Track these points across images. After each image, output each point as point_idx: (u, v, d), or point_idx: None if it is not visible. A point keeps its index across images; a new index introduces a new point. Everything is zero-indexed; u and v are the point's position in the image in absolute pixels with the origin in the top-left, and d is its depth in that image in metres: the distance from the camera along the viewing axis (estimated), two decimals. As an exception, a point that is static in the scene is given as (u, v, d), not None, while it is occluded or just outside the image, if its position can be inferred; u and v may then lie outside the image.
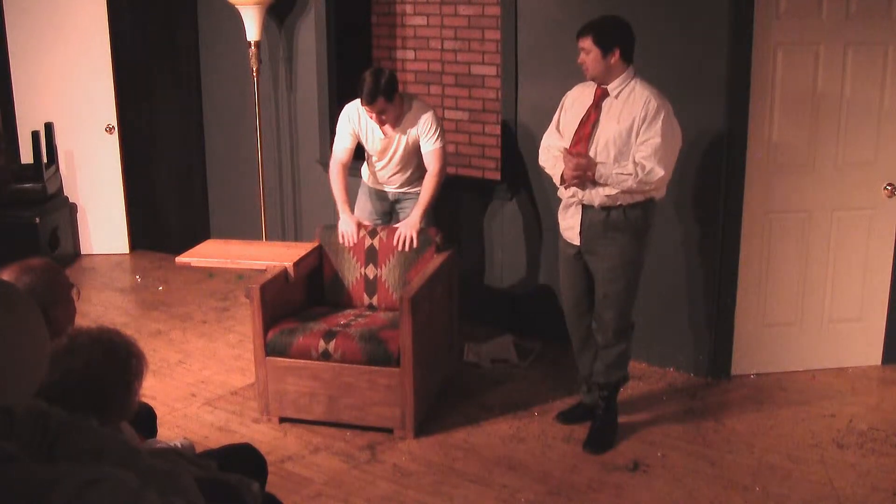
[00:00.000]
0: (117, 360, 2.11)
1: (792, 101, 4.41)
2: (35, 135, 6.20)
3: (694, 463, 3.88)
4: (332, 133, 5.70)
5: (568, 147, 3.84)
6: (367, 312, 4.47)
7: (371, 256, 4.55)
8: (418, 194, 4.69)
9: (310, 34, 5.77)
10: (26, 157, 6.47)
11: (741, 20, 4.24)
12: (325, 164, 5.79)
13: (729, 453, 3.95)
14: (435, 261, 4.41)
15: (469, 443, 4.07)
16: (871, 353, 4.75)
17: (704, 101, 4.37)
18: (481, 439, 4.10)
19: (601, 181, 3.74)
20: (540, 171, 4.90)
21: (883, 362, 4.76)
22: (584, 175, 3.74)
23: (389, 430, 4.11)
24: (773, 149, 4.46)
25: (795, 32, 4.32)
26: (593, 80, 3.82)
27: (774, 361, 4.70)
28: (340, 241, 4.57)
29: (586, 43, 3.74)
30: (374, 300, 4.57)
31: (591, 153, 3.76)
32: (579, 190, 3.82)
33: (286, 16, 5.85)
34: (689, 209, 4.57)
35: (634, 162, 3.69)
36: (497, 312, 5.27)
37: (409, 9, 5.58)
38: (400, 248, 4.48)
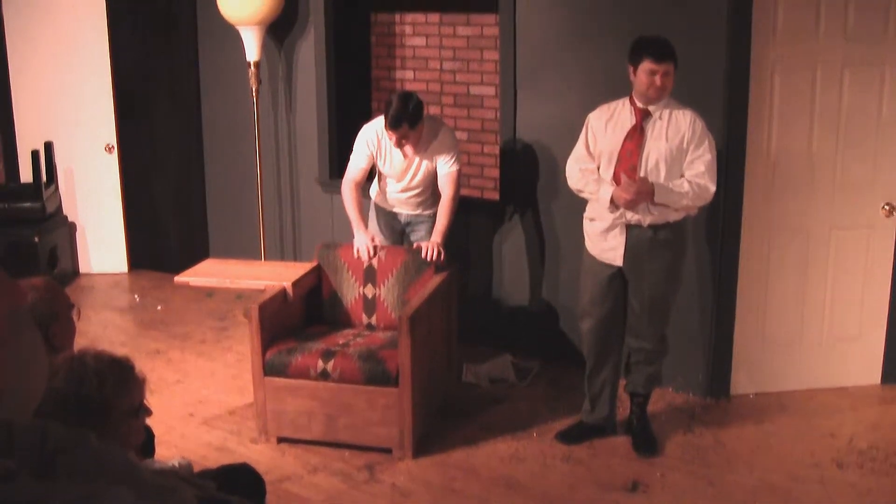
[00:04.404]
0: (119, 384, 2.12)
1: (790, 121, 4.43)
2: (34, 154, 6.21)
3: (693, 483, 3.86)
4: (332, 153, 5.76)
5: (614, 167, 3.85)
6: (366, 332, 4.46)
7: (370, 276, 4.55)
8: (430, 217, 4.70)
9: (309, 54, 5.79)
10: (26, 175, 6.48)
11: (739, 41, 4.26)
12: (323, 184, 5.82)
13: (728, 473, 3.94)
14: (434, 280, 4.41)
15: (468, 463, 4.06)
16: (870, 371, 4.75)
17: (702, 120, 4.38)
18: (480, 459, 4.09)
19: (659, 201, 3.77)
20: (539, 191, 4.93)
21: (882, 381, 4.75)
22: (643, 198, 3.77)
23: (388, 450, 4.10)
24: (772, 168, 4.47)
25: (793, 53, 4.35)
26: (654, 101, 3.81)
27: (774, 380, 4.69)
28: (356, 255, 4.54)
29: (671, 66, 3.77)
30: (373, 319, 4.57)
31: (641, 173, 3.81)
32: (627, 210, 3.84)
33: (286, 36, 5.88)
34: (688, 228, 4.56)
35: (688, 180, 3.77)
36: (494, 332, 5.26)
37: (408, 29, 5.61)
38: (430, 258, 4.44)
